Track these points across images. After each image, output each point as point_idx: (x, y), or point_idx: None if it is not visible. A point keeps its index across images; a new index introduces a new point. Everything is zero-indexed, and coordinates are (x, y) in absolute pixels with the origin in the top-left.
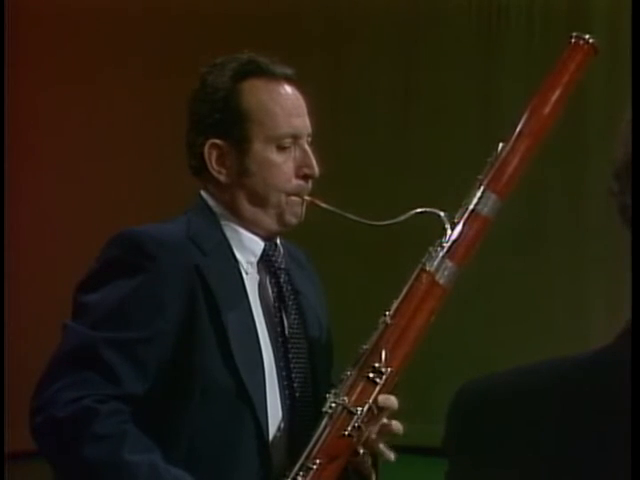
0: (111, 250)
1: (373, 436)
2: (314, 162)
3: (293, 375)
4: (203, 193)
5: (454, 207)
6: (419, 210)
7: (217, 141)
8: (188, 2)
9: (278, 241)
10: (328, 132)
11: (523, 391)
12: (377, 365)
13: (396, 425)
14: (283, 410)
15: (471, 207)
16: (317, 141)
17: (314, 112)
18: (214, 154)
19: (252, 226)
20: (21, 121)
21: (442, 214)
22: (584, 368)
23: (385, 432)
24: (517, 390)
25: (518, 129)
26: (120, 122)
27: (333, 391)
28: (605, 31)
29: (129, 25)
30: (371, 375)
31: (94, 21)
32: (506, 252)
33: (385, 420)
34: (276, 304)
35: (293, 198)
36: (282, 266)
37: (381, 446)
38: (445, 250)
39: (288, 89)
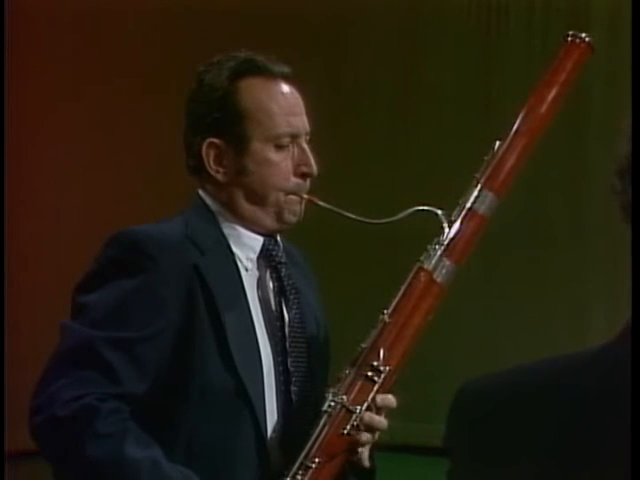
0: (110, 250)
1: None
2: (312, 161)
3: (292, 370)
4: (201, 192)
5: (454, 206)
6: (417, 208)
7: (215, 140)
8: (188, 2)
9: (278, 237)
10: (327, 130)
11: (524, 390)
12: (375, 364)
13: (380, 421)
14: (281, 409)
15: (468, 205)
16: (316, 139)
17: (313, 110)
18: (212, 153)
19: (251, 224)
20: (21, 122)
21: (439, 212)
22: (585, 366)
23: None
24: (518, 389)
25: (515, 127)
26: (119, 122)
27: (332, 390)
28: (605, 31)
29: (128, 27)
30: (369, 374)
31: (93, 24)
32: (505, 251)
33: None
34: (277, 299)
35: (291, 197)
36: (282, 260)
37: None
38: (443, 248)
39: (286, 88)
